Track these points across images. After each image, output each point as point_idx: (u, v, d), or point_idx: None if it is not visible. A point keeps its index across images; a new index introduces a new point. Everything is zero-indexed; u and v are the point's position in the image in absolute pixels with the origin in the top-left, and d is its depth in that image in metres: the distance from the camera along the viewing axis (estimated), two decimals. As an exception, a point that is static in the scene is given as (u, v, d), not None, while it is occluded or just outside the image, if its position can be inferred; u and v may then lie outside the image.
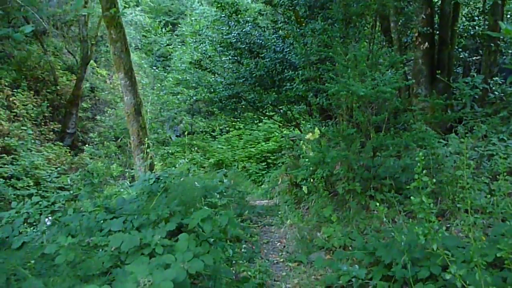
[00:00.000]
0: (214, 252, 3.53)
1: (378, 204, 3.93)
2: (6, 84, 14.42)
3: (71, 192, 6.45)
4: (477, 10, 12.01)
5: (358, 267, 3.82)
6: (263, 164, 17.22)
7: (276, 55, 9.79)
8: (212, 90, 12.08)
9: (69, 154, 15.22)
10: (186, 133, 20.66)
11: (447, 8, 9.02)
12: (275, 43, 10.23)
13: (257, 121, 13.87)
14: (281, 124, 13.08)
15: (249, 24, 11.42)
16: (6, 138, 12.77)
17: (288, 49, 9.64)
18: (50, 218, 4.88)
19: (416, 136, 5.24)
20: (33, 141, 13.81)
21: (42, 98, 16.22)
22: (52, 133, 15.69)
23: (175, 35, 27.32)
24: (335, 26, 7.83)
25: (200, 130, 22.36)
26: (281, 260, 5.27)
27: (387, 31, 9.74)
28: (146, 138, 8.46)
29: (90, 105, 19.31)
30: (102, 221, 4.47)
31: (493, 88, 8.38)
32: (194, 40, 18.51)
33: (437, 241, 2.89)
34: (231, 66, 12.33)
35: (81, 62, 17.37)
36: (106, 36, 12.77)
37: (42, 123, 15.61)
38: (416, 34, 8.67)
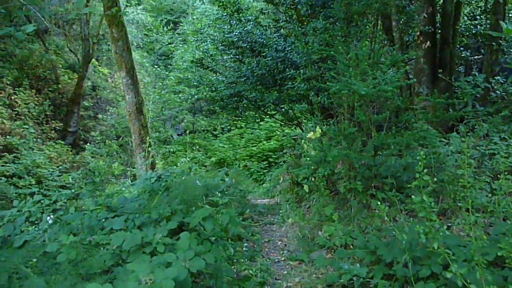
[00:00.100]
0: (215, 250, 3.53)
1: (379, 203, 3.92)
2: (8, 82, 14.43)
3: (73, 190, 6.45)
4: (479, 9, 11.99)
5: (359, 266, 3.82)
6: (265, 163, 17.24)
7: (278, 54, 9.79)
8: (214, 89, 12.08)
9: (70, 152, 15.24)
10: (187, 131, 20.70)
11: (449, 7, 9.01)
12: (276, 42, 10.23)
13: (259, 120, 13.86)
14: (283, 123, 13.10)
15: (251, 22, 11.42)
16: (8, 136, 12.79)
17: (289, 48, 9.64)
18: (51, 216, 4.89)
19: (418, 135, 5.24)
20: (34, 139, 13.82)
21: (43, 97, 16.24)
22: (53, 131, 15.71)
23: (177, 33, 27.33)
24: (337, 25, 7.82)
25: (202, 128, 22.38)
26: (282, 258, 5.28)
27: (388, 30, 9.73)
28: (148, 137, 8.47)
29: (91, 104, 19.32)
30: (103, 220, 4.48)
31: (495, 87, 8.36)
32: (196, 39, 18.49)
33: (438, 240, 2.90)
34: (232, 65, 12.34)
35: (83, 60, 17.38)
36: (108, 34, 12.76)
37: (44, 122, 15.63)
38: (418, 33, 8.66)
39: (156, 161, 11.30)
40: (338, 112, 6.62)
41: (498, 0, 8.48)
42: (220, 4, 11.63)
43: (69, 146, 15.72)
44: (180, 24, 27.83)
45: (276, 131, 18.56)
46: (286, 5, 10.28)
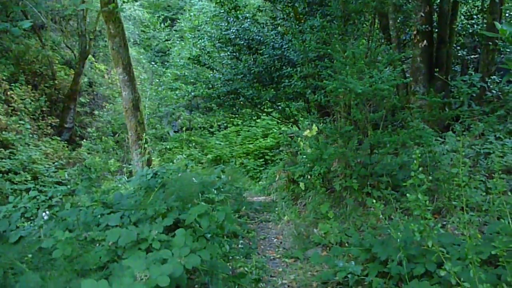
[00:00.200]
0: (211, 247, 3.54)
1: (374, 201, 3.94)
2: (4, 78, 14.39)
3: (69, 186, 6.45)
4: (476, 8, 12.03)
5: (354, 264, 3.84)
6: (261, 160, 17.25)
7: (275, 52, 9.79)
8: (211, 86, 12.07)
9: (66, 148, 15.21)
10: (184, 128, 20.70)
11: (445, 6, 9.03)
12: (273, 40, 10.22)
13: (255, 117, 13.86)
14: (279, 121, 13.09)
15: (248, 20, 11.40)
16: (3, 132, 12.75)
17: (286, 46, 9.64)
18: (47, 212, 4.88)
19: (414, 134, 5.26)
20: (30, 135, 13.79)
21: (40, 93, 16.20)
22: (50, 127, 15.67)
23: (174, 30, 27.27)
24: (334, 23, 7.83)
25: (198, 126, 22.37)
26: (278, 256, 5.29)
27: (385, 29, 9.75)
28: (144, 134, 8.47)
29: (88, 100, 19.28)
30: (99, 216, 4.48)
31: (491, 86, 8.39)
32: (193, 36, 18.49)
33: (432, 238, 2.91)
34: (229, 62, 12.32)
35: (80, 56, 17.32)
36: (105, 30, 12.74)
37: (40, 118, 15.59)
38: (415, 32, 8.68)
39: (153, 158, 11.30)
40: (334, 110, 6.63)
41: (494, 0, 8.50)
42: (218, 1, 11.60)
43: (65, 142, 15.69)
44: (177, 21, 27.77)
45: (273, 129, 18.57)
46: (284, 3, 10.26)
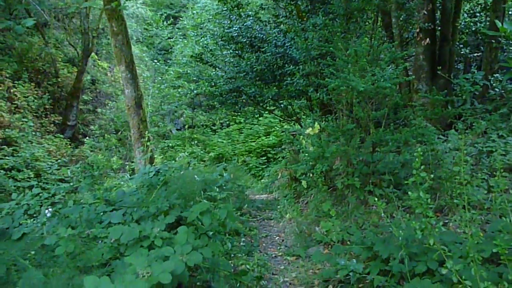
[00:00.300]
0: (213, 245, 3.55)
1: (376, 199, 3.94)
2: (7, 75, 14.41)
3: (72, 184, 6.48)
4: (479, 6, 11.98)
5: (355, 262, 3.85)
6: (263, 158, 17.23)
7: (277, 50, 9.77)
8: (213, 84, 12.07)
9: (69, 146, 15.25)
10: (186, 126, 20.69)
11: (448, 4, 8.99)
12: (276, 38, 10.21)
13: (258, 115, 13.83)
14: (282, 119, 13.08)
15: (251, 18, 11.39)
16: (7, 129, 12.78)
17: (289, 44, 9.63)
18: (50, 209, 4.91)
19: (416, 132, 5.25)
20: (33, 133, 13.81)
21: (43, 90, 16.22)
22: (52, 125, 15.69)
23: (177, 28, 27.26)
24: (336, 21, 7.82)
25: (201, 123, 22.37)
26: (280, 254, 5.31)
27: (388, 27, 9.72)
28: (147, 131, 8.46)
29: (91, 98, 19.32)
30: (102, 213, 4.51)
31: (494, 84, 8.36)
32: (196, 34, 18.47)
33: (434, 236, 2.91)
34: (232, 60, 12.30)
35: (82, 54, 17.35)
36: (108, 28, 12.74)
37: (43, 115, 15.61)
38: (418, 30, 8.65)
39: (155, 156, 11.32)
40: (336, 108, 6.63)
41: (498, -2, 8.47)
42: (220, -1, 11.60)
43: (68, 139, 15.72)
44: (180, 18, 27.76)
45: (275, 127, 18.55)
46: (286, 1, 10.25)
